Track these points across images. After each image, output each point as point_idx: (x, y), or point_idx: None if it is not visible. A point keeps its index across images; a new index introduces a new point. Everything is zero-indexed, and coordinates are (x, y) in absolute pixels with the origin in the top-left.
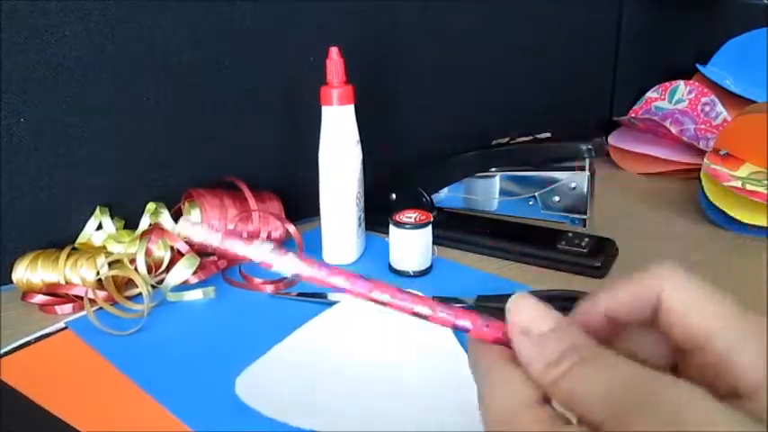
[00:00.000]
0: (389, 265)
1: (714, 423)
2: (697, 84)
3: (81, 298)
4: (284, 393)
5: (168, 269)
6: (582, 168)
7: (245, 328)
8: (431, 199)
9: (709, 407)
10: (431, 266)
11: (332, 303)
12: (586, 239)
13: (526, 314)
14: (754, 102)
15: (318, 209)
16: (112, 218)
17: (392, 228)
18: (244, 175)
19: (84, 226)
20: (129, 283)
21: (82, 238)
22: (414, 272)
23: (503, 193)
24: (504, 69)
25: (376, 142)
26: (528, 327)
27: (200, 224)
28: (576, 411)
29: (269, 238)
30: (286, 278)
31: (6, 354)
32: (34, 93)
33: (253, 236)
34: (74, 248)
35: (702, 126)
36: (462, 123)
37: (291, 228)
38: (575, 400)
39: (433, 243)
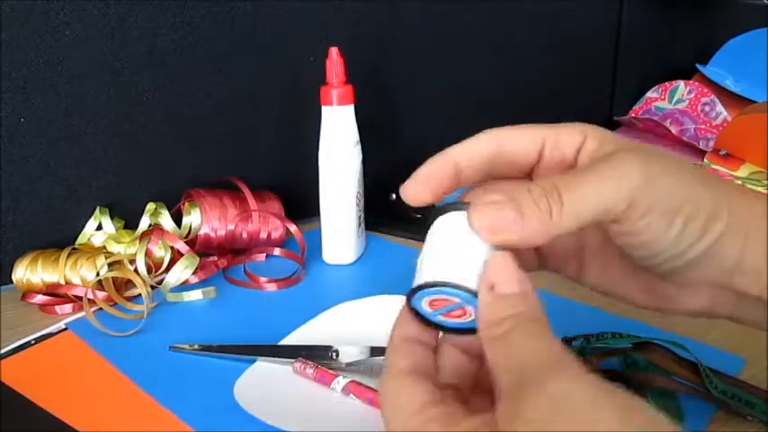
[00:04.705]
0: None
1: (599, 406)
2: (697, 84)
3: (81, 298)
4: (282, 398)
5: (168, 269)
6: None
7: (245, 328)
8: None
9: (594, 393)
10: None
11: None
12: None
13: (497, 272)
14: (754, 102)
15: (318, 209)
16: (112, 218)
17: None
18: (244, 175)
19: (84, 226)
20: (130, 283)
21: (82, 239)
22: None
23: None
24: (504, 69)
25: (376, 142)
26: (493, 283)
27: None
28: (493, 377)
29: (269, 237)
30: (290, 276)
31: (6, 354)
32: (34, 93)
33: (253, 236)
34: (74, 248)
35: (702, 126)
36: (462, 123)
37: (293, 227)
38: (493, 365)
39: None
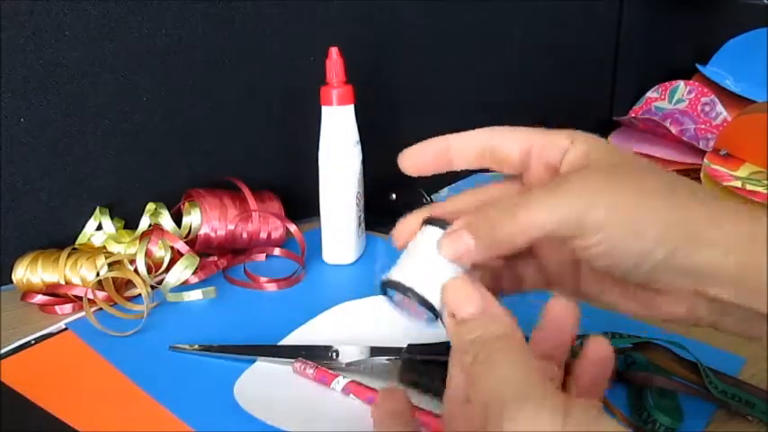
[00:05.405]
0: None
1: None
2: (697, 84)
3: (81, 298)
4: (282, 398)
5: (168, 269)
6: None
7: (245, 328)
8: (431, 199)
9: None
10: None
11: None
12: None
13: (454, 298)
14: (754, 102)
15: (318, 209)
16: (112, 218)
17: None
18: (244, 175)
19: (84, 226)
20: (130, 283)
21: (82, 239)
22: None
23: None
24: (504, 69)
25: (376, 142)
26: (454, 310)
27: None
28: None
29: (269, 237)
30: (290, 276)
31: (6, 354)
32: (34, 93)
33: (253, 236)
34: (74, 248)
35: (702, 126)
36: (462, 123)
37: (293, 227)
38: (471, 389)
39: None
